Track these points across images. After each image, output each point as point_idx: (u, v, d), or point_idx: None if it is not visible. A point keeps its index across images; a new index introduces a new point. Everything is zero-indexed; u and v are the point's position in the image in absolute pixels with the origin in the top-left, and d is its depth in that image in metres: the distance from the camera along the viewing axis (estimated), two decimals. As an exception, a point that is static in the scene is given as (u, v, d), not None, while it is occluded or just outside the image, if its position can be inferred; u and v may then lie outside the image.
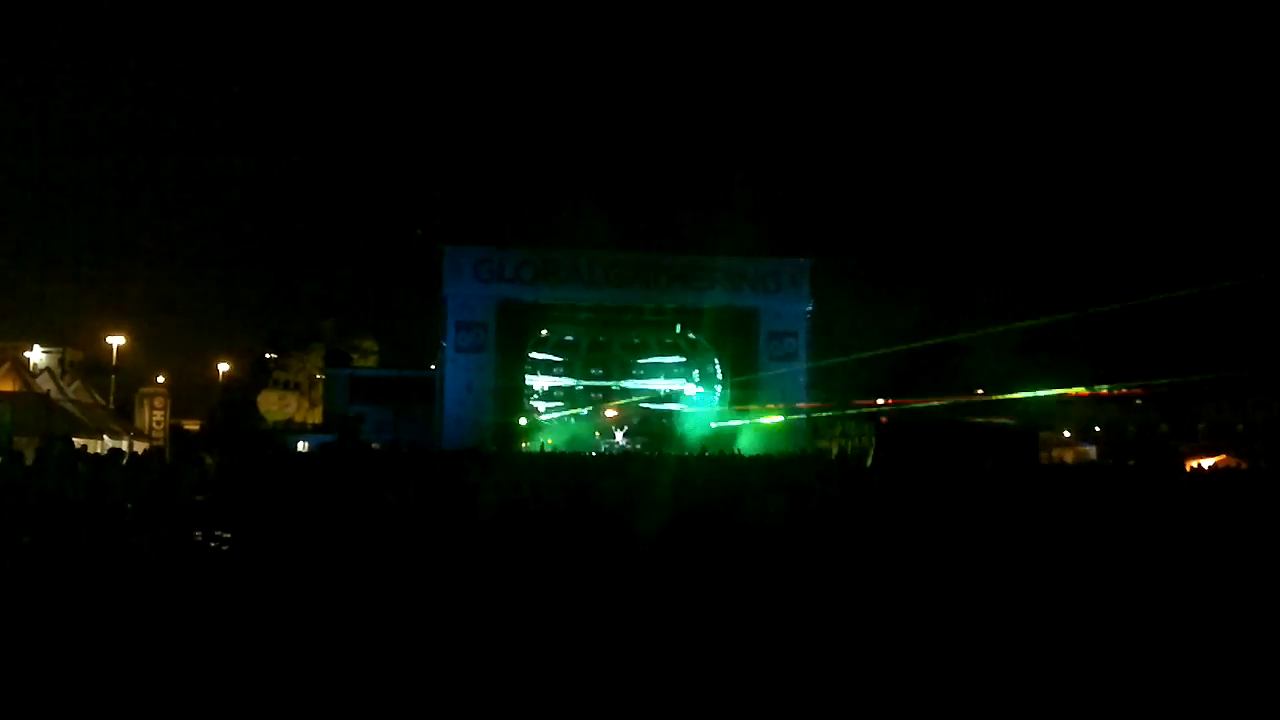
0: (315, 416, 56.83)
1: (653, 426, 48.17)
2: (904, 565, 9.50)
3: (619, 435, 46.72)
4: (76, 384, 35.04)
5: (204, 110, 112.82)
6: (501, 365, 43.26)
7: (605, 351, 50.14)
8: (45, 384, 32.21)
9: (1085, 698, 6.36)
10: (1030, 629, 7.70)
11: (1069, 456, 43.24)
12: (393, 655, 6.87)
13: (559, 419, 49.06)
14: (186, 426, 48.51)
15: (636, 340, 49.86)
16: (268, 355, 61.66)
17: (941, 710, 6.25)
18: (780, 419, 41.23)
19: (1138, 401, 51.19)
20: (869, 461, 26.91)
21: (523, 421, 46.26)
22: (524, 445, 41.23)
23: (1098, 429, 51.45)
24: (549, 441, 45.55)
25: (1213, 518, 12.31)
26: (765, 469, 20.43)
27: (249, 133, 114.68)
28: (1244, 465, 35.85)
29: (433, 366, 47.47)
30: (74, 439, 21.40)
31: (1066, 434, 49.56)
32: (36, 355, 39.68)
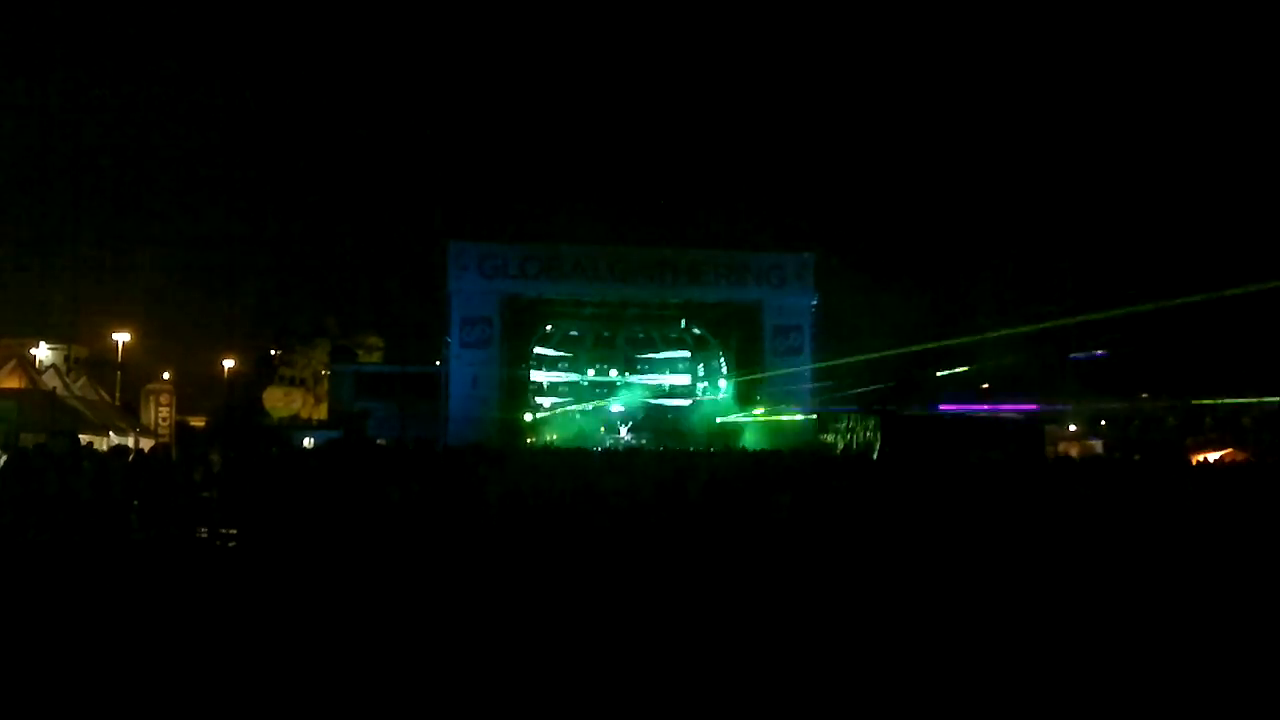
0: (320, 413, 56.89)
1: (658, 422, 48.16)
2: (911, 559, 9.49)
3: (624, 430, 46.71)
4: (82, 380, 35.05)
5: (209, 107, 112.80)
6: (506, 360, 43.26)
7: (610, 346, 50.13)
8: (51, 381, 32.23)
9: (1092, 691, 6.34)
10: (1037, 623, 7.69)
11: (1075, 450, 43.13)
12: (399, 650, 6.87)
13: (564, 414, 49.07)
14: (192, 423, 48.56)
15: (641, 335, 49.84)
16: (273, 351, 61.73)
17: (950, 704, 6.23)
18: (785, 413, 41.16)
19: (1144, 395, 51.08)
20: (875, 455, 26.90)
21: (528, 417, 46.27)
22: (529, 441, 41.23)
23: (1104, 422, 51.33)
24: (553, 437, 45.57)
25: (1219, 511, 12.28)
26: (771, 464, 20.40)
27: (254, 129, 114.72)
28: (1251, 459, 35.77)
29: (438, 362, 47.50)
30: (80, 435, 21.45)
31: (1073, 427, 49.45)
32: (42, 352, 39.73)
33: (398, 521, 10.77)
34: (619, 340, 50.01)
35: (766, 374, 43.07)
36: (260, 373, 60.95)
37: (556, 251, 43.65)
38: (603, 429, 46.97)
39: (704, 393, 49.38)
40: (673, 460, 21.38)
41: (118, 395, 37.85)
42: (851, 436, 35.12)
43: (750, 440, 38.61)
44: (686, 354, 50.33)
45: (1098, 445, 46.15)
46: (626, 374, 50.43)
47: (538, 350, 47.96)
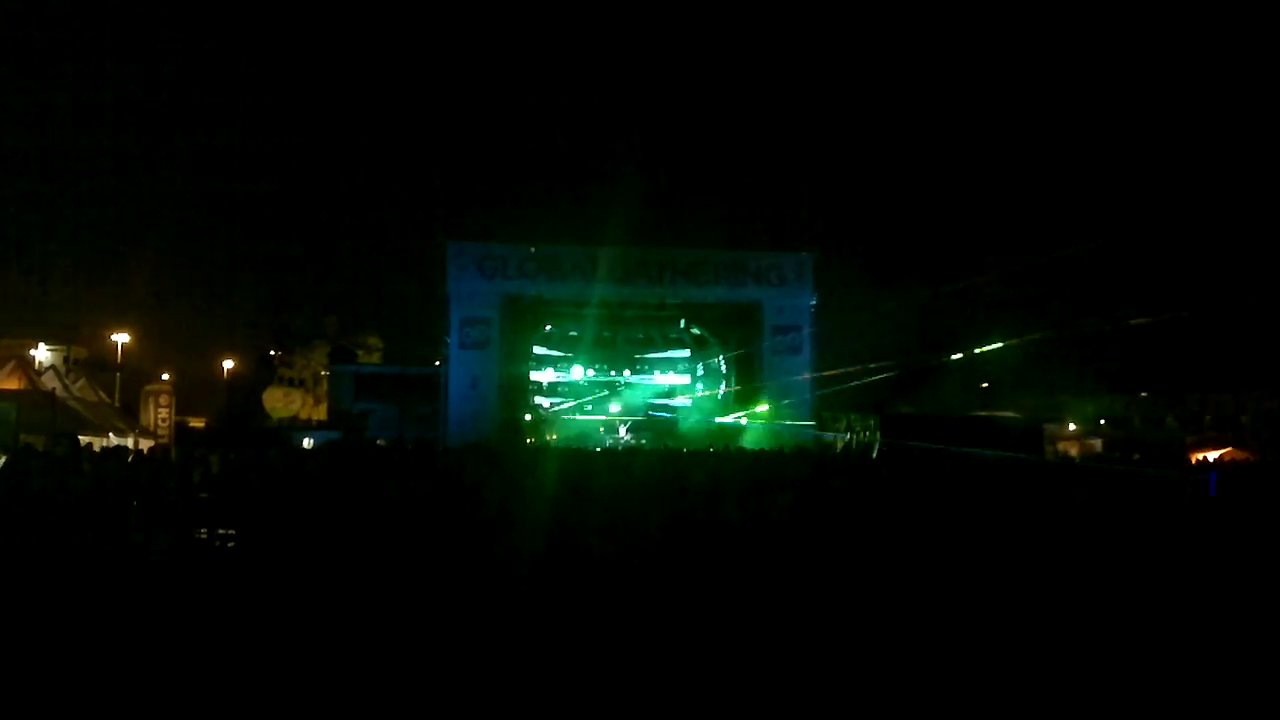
0: (320, 413, 56.91)
1: (657, 422, 48.14)
2: (911, 559, 9.49)
3: (623, 430, 46.70)
4: (81, 381, 35.03)
5: (208, 108, 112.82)
6: (506, 361, 43.27)
7: (610, 346, 50.13)
8: (50, 382, 32.22)
9: (1092, 691, 6.34)
10: (1037, 622, 7.68)
11: (1074, 450, 43.16)
12: (397, 651, 6.86)
13: (564, 414, 49.07)
14: (192, 424, 48.58)
15: (641, 335, 49.84)
16: (272, 352, 61.75)
17: (949, 705, 6.23)
18: (784, 414, 41.16)
19: (1143, 394, 51.15)
20: (874, 455, 26.89)
21: (527, 417, 46.26)
22: (529, 441, 41.21)
23: (1103, 422, 51.40)
24: (553, 437, 45.55)
25: (1220, 510, 12.28)
26: (770, 464, 20.39)
27: (253, 130, 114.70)
28: (1250, 457, 35.79)
29: (437, 363, 47.51)
30: (79, 436, 21.43)
31: (1072, 427, 49.49)
32: (42, 353, 39.73)
33: (397, 521, 10.76)
34: (619, 340, 50.00)
35: (766, 374, 43.09)
36: (260, 373, 60.97)
37: (556, 252, 43.64)
38: (602, 429, 46.96)
39: (703, 392, 49.38)
40: (672, 460, 21.37)
41: (117, 396, 37.85)
42: (851, 436, 35.10)
43: (750, 440, 38.59)
44: (686, 354, 50.34)
45: (1098, 444, 46.17)
46: (626, 374, 50.44)
47: (537, 350, 47.96)
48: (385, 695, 6.24)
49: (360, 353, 60.45)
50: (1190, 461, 33.31)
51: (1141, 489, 14.83)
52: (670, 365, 50.94)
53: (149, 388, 35.94)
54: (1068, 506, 12.37)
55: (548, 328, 47.32)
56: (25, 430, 22.35)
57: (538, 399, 49.08)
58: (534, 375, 48.19)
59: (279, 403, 58.02)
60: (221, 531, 11.78)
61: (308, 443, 37.53)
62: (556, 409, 49.55)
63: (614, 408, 48.78)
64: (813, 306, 44.35)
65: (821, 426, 40.47)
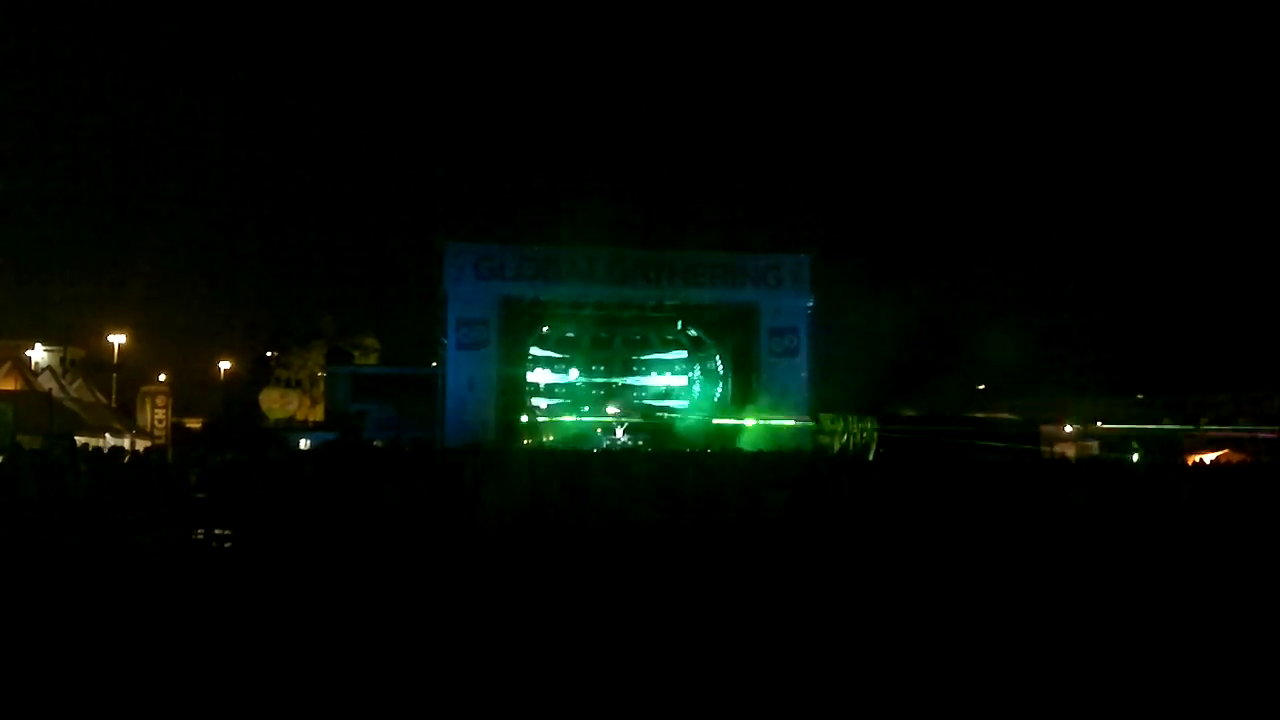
0: (317, 414, 56.83)
1: (655, 423, 48.10)
2: (907, 560, 9.49)
3: (620, 432, 46.68)
4: (78, 382, 35.05)
5: (204, 108, 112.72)
6: (503, 362, 43.21)
7: (607, 348, 50.08)
8: (47, 382, 32.24)
9: (1090, 692, 6.35)
10: (1034, 623, 7.69)
11: (1071, 451, 43.15)
12: (395, 651, 6.86)
13: (561, 416, 49.00)
14: (188, 424, 48.55)
15: (638, 336, 49.80)
16: (269, 353, 61.67)
17: (947, 704, 6.23)
18: (782, 415, 41.19)
19: (1140, 396, 51.17)
20: (871, 456, 26.93)
21: (525, 419, 46.20)
22: (526, 442, 41.17)
23: (1100, 423, 51.36)
24: (550, 438, 45.51)
25: (1215, 512, 12.29)
26: (768, 465, 20.41)
27: (249, 130, 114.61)
28: (1247, 459, 35.81)
29: (434, 364, 47.46)
30: (76, 437, 21.44)
31: (1069, 428, 49.48)
32: (38, 354, 39.65)
33: (394, 522, 10.75)
34: (616, 342, 49.96)
35: (763, 375, 43.09)
36: (257, 374, 60.89)
37: (553, 253, 43.60)
38: (599, 430, 46.93)
39: (700, 394, 49.35)
40: (669, 461, 21.37)
41: (114, 397, 37.82)
42: (848, 437, 35.16)
43: (747, 441, 38.60)
44: (683, 355, 50.31)
45: (1094, 446, 46.19)
46: (623, 375, 50.40)
47: (534, 351, 47.91)
48: (383, 695, 6.24)
49: (357, 353, 60.36)
50: (1187, 463, 33.34)
51: (1134, 486, 14.85)
52: (667, 367, 50.90)
53: (146, 388, 35.97)
54: (1063, 505, 12.37)
55: (545, 329, 47.26)
56: (21, 431, 22.36)
57: (535, 400, 49.02)
58: (531, 376, 48.12)
59: (276, 403, 57.95)
60: (218, 532, 11.78)
61: (304, 444, 37.51)
62: (554, 410, 49.50)
63: (611, 409, 48.74)
64: (810, 308, 44.36)
65: (819, 428, 40.52)
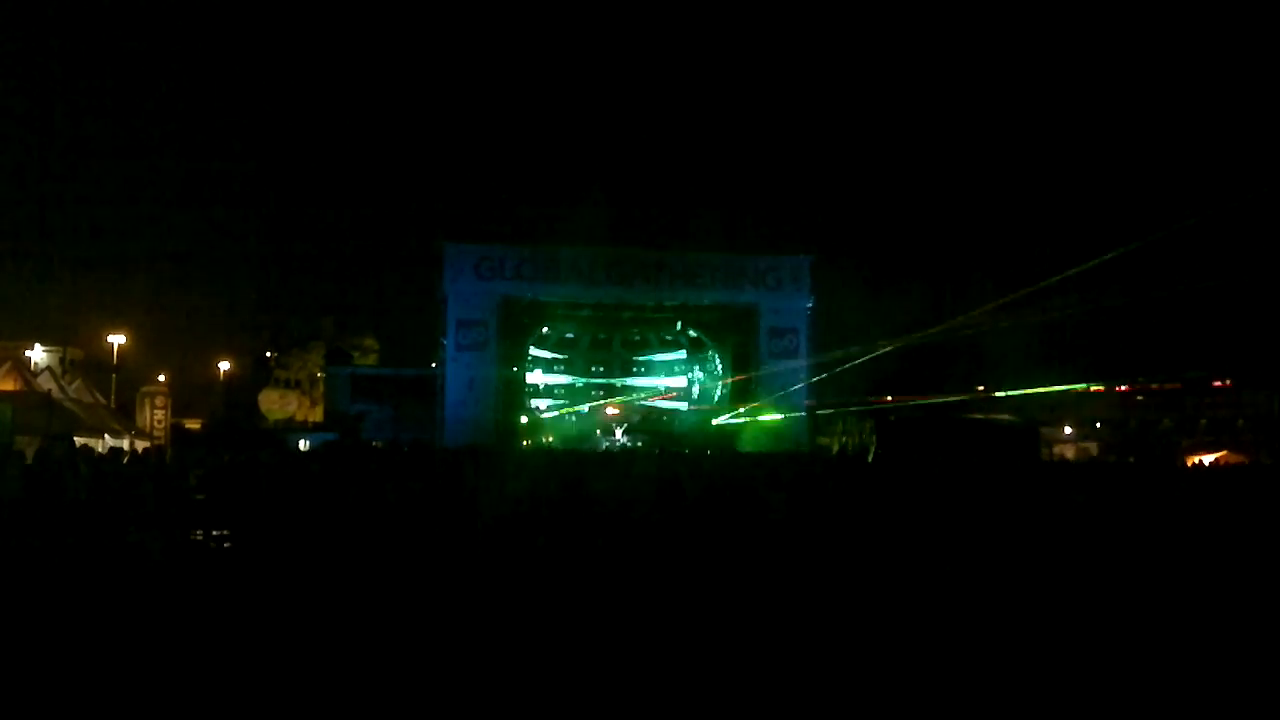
0: (316, 415, 56.83)
1: (654, 424, 48.14)
2: (906, 561, 9.49)
3: (619, 433, 46.71)
4: (77, 383, 35.00)
5: (204, 109, 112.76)
6: (502, 363, 43.24)
7: (606, 349, 50.14)
8: (46, 383, 32.19)
9: (1089, 693, 6.35)
10: (1032, 624, 7.69)
11: (1070, 453, 43.23)
12: (394, 651, 6.86)
13: (560, 416, 49.04)
14: (188, 425, 48.53)
15: (637, 337, 49.84)
16: (268, 354, 61.67)
17: (946, 705, 6.24)
18: (781, 416, 41.21)
19: (1139, 398, 51.19)
20: (870, 458, 26.89)
21: (524, 419, 46.23)
22: (525, 443, 41.19)
23: (1099, 425, 51.42)
24: (549, 439, 45.53)
25: (1213, 513, 12.29)
26: (766, 466, 20.41)
27: (249, 131, 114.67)
28: (1245, 461, 35.85)
29: (433, 364, 47.48)
30: (75, 438, 21.40)
31: (1069, 430, 49.53)
32: (37, 354, 39.63)
33: (394, 522, 10.76)
34: (615, 342, 50.01)
35: (762, 376, 43.11)
36: (256, 375, 60.90)
37: (553, 253, 43.62)
38: (598, 431, 46.96)
39: (700, 395, 49.38)
40: (669, 462, 21.37)
41: (113, 398, 37.79)
42: (847, 438, 35.14)
43: (746, 442, 38.62)
44: (682, 356, 50.35)
45: (1093, 447, 46.23)
46: (623, 376, 50.44)
47: (534, 352, 47.94)
48: (382, 694, 6.24)
49: (356, 354, 60.38)
50: (1186, 464, 33.38)
51: (1133, 487, 14.86)
52: (667, 367, 50.95)
53: (145, 389, 35.94)
54: (1061, 508, 12.38)
55: (544, 329, 47.29)
56: (20, 431, 22.31)
57: (534, 401, 49.05)
58: (530, 377, 48.16)
59: (275, 404, 57.96)
60: (216, 533, 11.78)
61: (304, 444, 37.49)
62: (553, 411, 49.53)
63: (610, 410, 48.77)
64: (809, 309, 44.38)
65: (817, 429, 40.56)
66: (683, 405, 50.02)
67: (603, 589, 8.53)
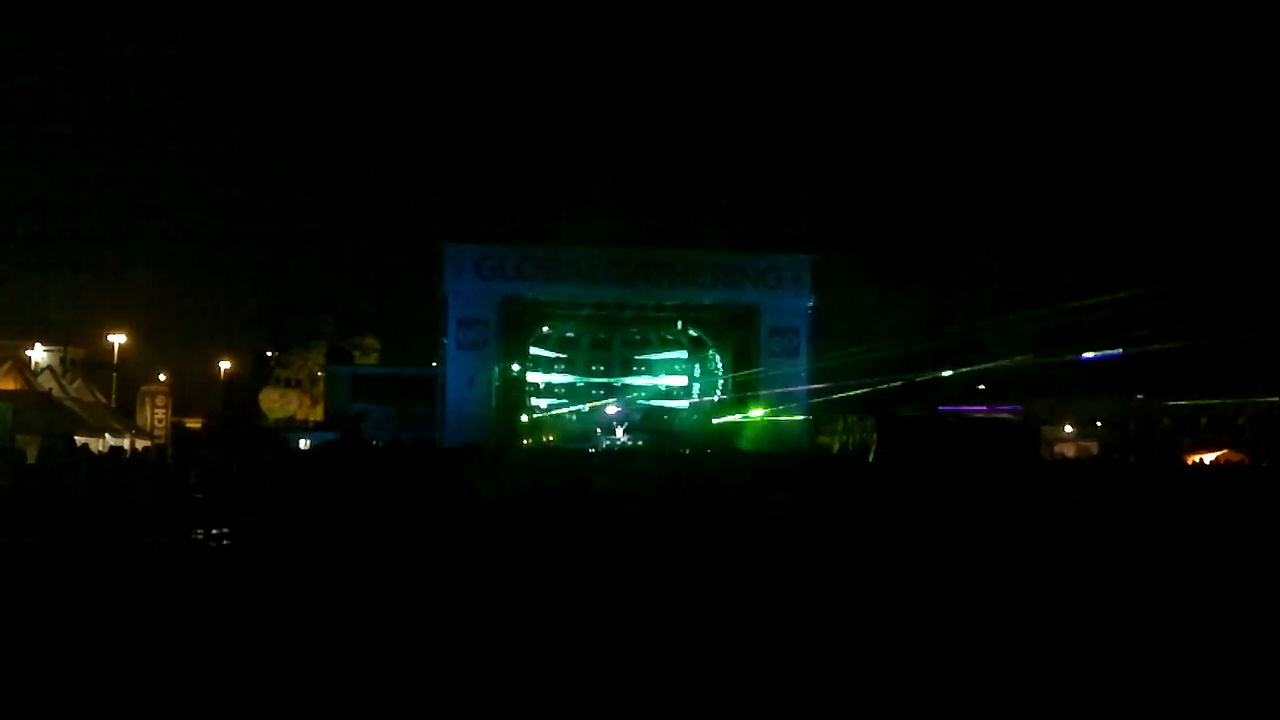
0: (317, 414, 56.79)
1: (654, 423, 48.15)
2: (906, 560, 9.50)
3: (620, 432, 46.72)
4: (78, 382, 35.04)
5: (205, 107, 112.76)
6: (503, 362, 43.26)
7: (607, 348, 50.15)
8: (47, 382, 32.23)
9: (1089, 693, 6.35)
10: (1033, 623, 7.69)
11: (1070, 451, 43.16)
12: (393, 651, 6.87)
13: (561, 415, 49.06)
14: (188, 424, 48.56)
15: (638, 336, 49.85)
16: (269, 353, 61.65)
17: (946, 705, 6.24)
18: (782, 415, 41.19)
19: (1139, 396, 51.13)
20: (871, 457, 26.90)
21: (524, 418, 46.25)
22: (526, 442, 41.21)
23: (1099, 423, 51.31)
24: (550, 438, 45.56)
25: (1214, 512, 12.29)
26: (767, 464, 20.41)
27: (250, 130, 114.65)
28: (1246, 460, 35.81)
29: (434, 364, 47.49)
30: (76, 437, 21.43)
31: (1069, 428, 49.46)
32: (38, 354, 39.64)
33: (394, 521, 10.76)
34: (615, 342, 50.02)
35: (763, 375, 43.10)
36: (257, 374, 60.88)
37: (553, 253, 43.65)
38: (599, 430, 46.98)
39: (700, 394, 49.40)
40: (669, 461, 21.38)
41: (114, 397, 37.84)
42: (848, 437, 35.11)
43: (747, 441, 38.61)
44: (683, 355, 50.35)
45: (1094, 446, 46.18)
46: (623, 375, 50.46)
47: (534, 351, 47.95)
48: (383, 692, 6.24)
49: (357, 353, 60.34)
50: (1186, 463, 33.35)
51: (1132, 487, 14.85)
52: (667, 367, 50.96)
53: (145, 388, 35.98)
54: (1061, 507, 12.38)
55: (545, 329, 47.30)
56: (21, 431, 22.33)
57: (535, 400, 49.06)
58: (531, 376, 48.17)
59: (276, 403, 57.93)
60: (216, 531, 11.78)
61: (304, 443, 37.49)
62: (553, 410, 49.55)
63: (611, 409, 48.79)
64: (810, 308, 44.38)
65: (818, 427, 40.52)
66: (683, 404, 50.04)
67: (603, 588, 8.53)
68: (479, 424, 39.59)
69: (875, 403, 39.48)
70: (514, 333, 44.14)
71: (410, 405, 46.99)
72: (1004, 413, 41.94)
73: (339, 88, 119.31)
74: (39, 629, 7.39)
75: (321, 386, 57.88)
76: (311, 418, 56.45)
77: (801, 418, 40.91)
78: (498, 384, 42.71)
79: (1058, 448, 43.04)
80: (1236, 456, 37.50)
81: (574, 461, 19.40)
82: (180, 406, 42.92)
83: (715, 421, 44.55)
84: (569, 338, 49.23)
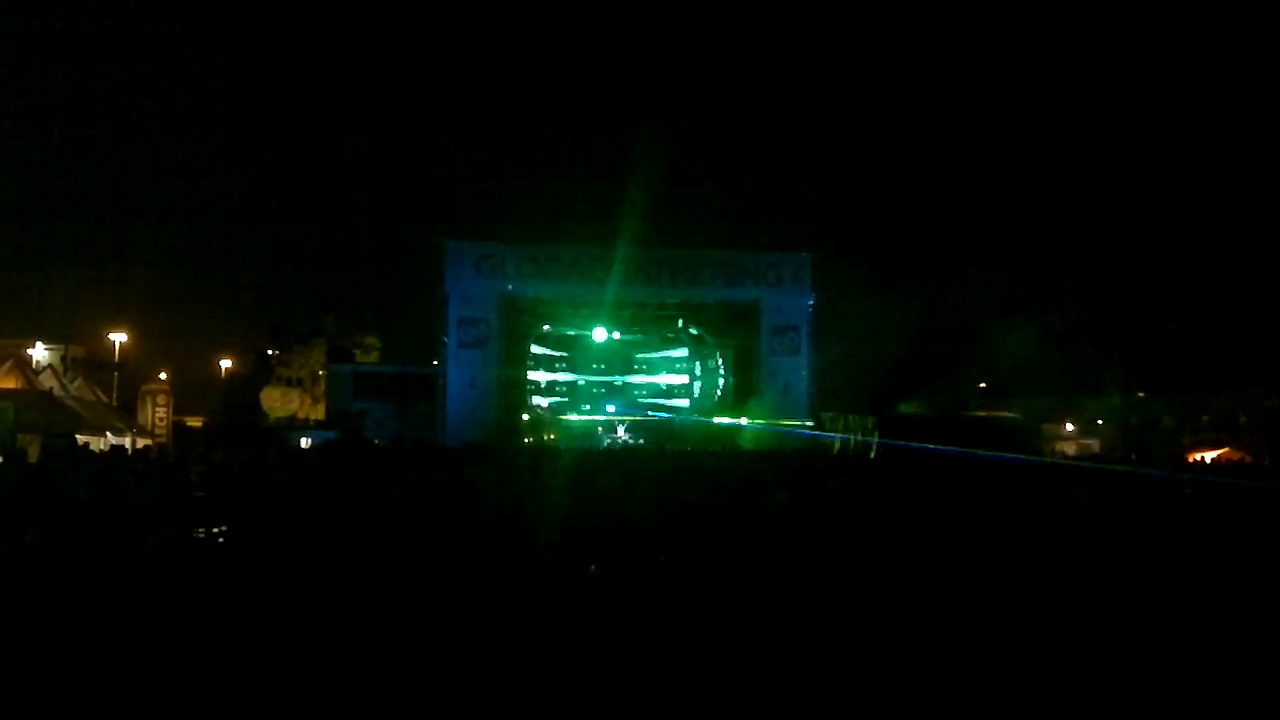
0: (318, 413, 56.80)
1: (655, 422, 48.14)
2: (907, 559, 9.50)
3: (621, 431, 46.72)
4: (79, 381, 35.06)
5: (206, 107, 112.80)
6: (504, 361, 43.23)
7: (607, 346, 50.12)
8: (48, 381, 32.25)
9: (1089, 693, 6.36)
10: (1034, 623, 7.69)
11: (1071, 450, 43.20)
12: (397, 649, 6.87)
13: (561, 414, 49.06)
14: (189, 423, 48.58)
15: (639, 335, 49.82)
16: (270, 351, 61.65)
17: (947, 705, 6.24)
18: (783, 414, 41.20)
19: (1140, 395, 51.17)
20: (872, 455, 26.94)
21: (525, 417, 46.23)
22: (527, 441, 41.20)
23: (1100, 422, 51.37)
24: (551, 437, 45.55)
25: (1213, 512, 12.29)
26: (768, 463, 20.42)
27: (251, 128, 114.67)
28: (1247, 458, 35.84)
29: (435, 362, 47.50)
30: (77, 436, 21.47)
31: (1070, 427, 49.51)
32: (39, 352, 39.69)
33: (395, 522, 10.76)
34: (617, 340, 49.96)
35: (764, 374, 43.10)
36: (258, 373, 60.88)
37: (554, 251, 43.63)
38: (600, 429, 46.97)
39: (701, 392, 49.36)
40: (670, 460, 21.39)
41: (115, 396, 37.89)
42: (849, 436, 35.14)
43: (748, 440, 38.59)
44: (684, 353, 50.32)
45: (1095, 445, 46.21)
46: (624, 374, 50.44)
47: (535, 350, 47.92)
48: (384, 693, 6.25)
49: (358, 352, 60.32)
50: (1187, 461, 33.37)
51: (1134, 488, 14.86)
52: (668, 365, 50.94)
53: (146, 387, 36.03)
54: (1064, 506, 12.38)
55: (546, 327, 47.28)
56: (22, 430, 22.37)
57: (535, 399, 49.05)
58: (532, 375, 48.15)
59: (277, 402, 57.92)
60: (217, 530, 11.78)
61: (305, 442, 37.53)
62: (554, 409, 49.54)
63: (612, 408, 48.78)
64: (811, 306, 44.37)
65: (820, 426, 40.54)
66: (684, 402, 50.01)
67: (604, 588, 8.54)
68: (480, 423, 39.59)
69: (876, 402, 39.54)
70: (515, 331, 44.13)
71: (411, 404, 46.97)
72: (1004, 412, 42.00)
73: (340, 87, 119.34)
74: (39, 629, 7.39)
75: (323, 385, 57.87)
76: (313, 416, 56.46)
77: (803, 417, 40.95)
78: (499, 383, 42.70)
79: (1058, 446, 43.09)
80: (1238, 454, 37.53)
81: (575, 461, 19.40)
82: (181, 405, 42.95)
83: (716, 420, 44.54)
84: (570, 336, 49.22)
